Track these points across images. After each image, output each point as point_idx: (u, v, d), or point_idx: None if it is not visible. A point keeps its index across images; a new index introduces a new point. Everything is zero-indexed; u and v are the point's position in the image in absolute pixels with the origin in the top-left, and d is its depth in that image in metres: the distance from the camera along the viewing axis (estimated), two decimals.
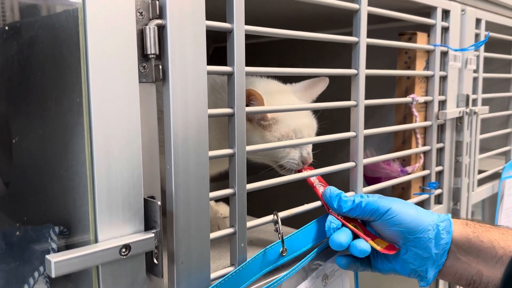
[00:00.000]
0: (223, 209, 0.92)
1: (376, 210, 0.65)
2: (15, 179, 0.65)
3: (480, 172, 1.18)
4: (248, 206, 0.61)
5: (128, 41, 0.47)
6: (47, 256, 0.43)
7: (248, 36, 0.58)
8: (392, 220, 0.64)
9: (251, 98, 0.69)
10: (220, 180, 0.85)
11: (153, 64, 0.50)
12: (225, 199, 0.61)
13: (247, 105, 0.69)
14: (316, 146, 0.79)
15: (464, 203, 1.08)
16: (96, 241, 0.47)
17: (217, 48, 1.39)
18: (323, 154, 0.81)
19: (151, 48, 0.49)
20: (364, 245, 0.64)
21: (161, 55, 0.50)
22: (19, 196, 0.64)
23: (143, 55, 0.49)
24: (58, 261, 0.42)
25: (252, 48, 0.80)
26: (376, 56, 0.84)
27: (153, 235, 0.49)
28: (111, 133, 0.46)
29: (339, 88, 0.84)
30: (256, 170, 0.78)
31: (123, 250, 0.46)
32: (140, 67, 0.49)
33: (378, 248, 0.64)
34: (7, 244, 0.61)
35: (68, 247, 0.54)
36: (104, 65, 0.45)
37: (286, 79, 0.84)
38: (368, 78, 0.77)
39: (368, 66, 0.77)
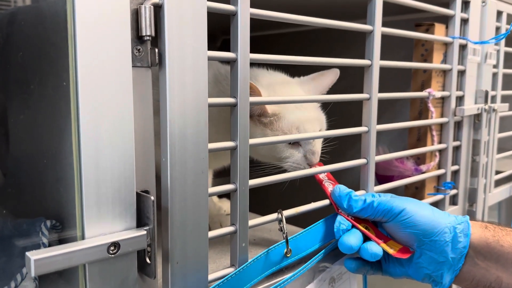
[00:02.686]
0: (227, 206, 0.88)
1: (389, 210, 0.61)
2: (10, 169, 0.62)
3: (497, 172, 1.13)
4: (251, 202, 0.57)
5: (121, 20, 0.43)
6: (27, 253, 0.39)
7: (256, 28, 0.53)
8: (406, 222, 0.59)
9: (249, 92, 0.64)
10: (224, 175, 0.81)
11: (148, 47, 0.46)
12: (229, 195, 0.58)
13: None
14: (328, 142, 0.75)
15: (480, 204, 1.02)
16: (83, 237, 0.43)
17: (226, 40, 1.35)
18: (333, 151, 0.77)
19: (147, 29, 0.45)
20: (375, 248, 0.60)
21: (158, 37, 0.47)
22: (13, 187, 0.60)
23: (137, 37, 0.46)
24: (39, 258, 0.39)
25: (260, 40, 0.76)
26: (391, 49, 0.79)
27: (145, 232, 0.45)
28: (101, 120, 0.42)
29: (351, 84, 0.80)
30: (266, 168, 0.74)
31: (112, 248, 0.43)
32: (135, 50, 0.45)
33: (390, 251, 0.60)
34: None
35: (61, 242, 0.50)
36: (94, 46, 0.41)
37: (294, 73, 0.79)
38: (382, 71, 0.73)
39: (382, 60, 0.72)
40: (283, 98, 0.66)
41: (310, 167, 0.70)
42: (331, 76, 0.76)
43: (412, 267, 0.62)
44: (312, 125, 0.71)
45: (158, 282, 0.51)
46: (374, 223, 0.65)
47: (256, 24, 0.53)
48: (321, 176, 0.71)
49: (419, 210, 0.60)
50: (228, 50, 0.54)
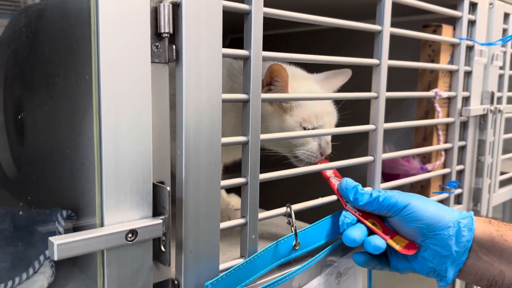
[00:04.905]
0: (235, 201, 0.90)
1: (394, 205, 0.62)
2: (27, 161, 0.64)
3: (502, 173, 1.14)
4: (260, 199, 0.59)
5: (141, 18, 0.45)
6: (50, 238, 0.41)
7: (267, 27, 0.55)
8: (410, 216, 0.61)
9: (275, 75, 0.66)
10: (234, 170, 0.83)
11: (166, 44, 0.48)
12: (237, 191, 0.59)
13: (270, 83, 0.67)
14: (336, 139, 0.77)
15: (485, 204, 1.04)
16: (102, 225, 0.45)
17: (234, 39, 1.37)
18: (340, 149, 0.79)
19: (165, 26, 0.47)
20: (378, 241, 0.61)
21: (175, 35, 0.49)
22: (29, 179, 0.62)
23: (156, 34, 0.47)
24: (62, 243, 0.41)
25: (271, 39, 0.78)
26: (398, 50, 0.81)
27: (161, 221, 0.47)
28: (121, 113, 0.44)
29: (359, 83, 0.81)
30: (270, 164, 0.75)
31: (130, 235, 0.45)
32: (153, 47, 0.47)
33: (397, 247, 0.61)
34: (15, 227, 0.60)
35: (76, 231, 0.52)
36: (115, 42, 0.43)
37: (307, 69, 0.81)
38: (390, 72, 0.74)
39: (390, 59, 0.74)
40: (296, 95, 0.69)
41: (322, 156, 0.73)
42: (343, 76, 0.80)
43: (417, 261, 0.63)
44: (328, 117, 0.75)
45: (172, 270, 0.53)
46: (381, 218, 0.67)
47: (266, 23, 0.55)
48: (328, 173, 0.73)
49: (424, 205, 0.62)
50: (236, 48, 0.56)
